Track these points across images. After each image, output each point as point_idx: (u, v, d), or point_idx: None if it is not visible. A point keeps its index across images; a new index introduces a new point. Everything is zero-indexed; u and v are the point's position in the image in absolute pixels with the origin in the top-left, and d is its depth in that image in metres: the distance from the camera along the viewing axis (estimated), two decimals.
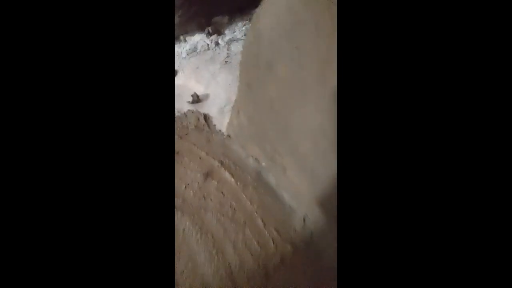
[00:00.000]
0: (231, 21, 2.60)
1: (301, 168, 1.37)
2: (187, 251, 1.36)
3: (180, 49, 2.46)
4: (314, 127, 1.17)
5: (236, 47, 2.35)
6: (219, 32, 2.52)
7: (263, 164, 1.62)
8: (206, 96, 2.09)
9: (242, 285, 1.26)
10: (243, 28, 2.52)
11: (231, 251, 1.36)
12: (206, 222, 1.45)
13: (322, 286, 1.28)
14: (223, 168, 1.64)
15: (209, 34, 2.48)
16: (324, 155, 1.18)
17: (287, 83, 1.22)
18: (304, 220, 1.45)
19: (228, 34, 2.52)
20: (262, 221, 1.43)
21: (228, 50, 2.36)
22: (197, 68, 2.26)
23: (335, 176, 1.15)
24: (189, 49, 2.42)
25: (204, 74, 2.20)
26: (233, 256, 1.34)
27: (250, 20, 2.49)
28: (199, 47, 2.45)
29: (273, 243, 1.37)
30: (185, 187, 1.58)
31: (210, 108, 2.00)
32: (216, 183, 1.59)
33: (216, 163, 1.66)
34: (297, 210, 1.47)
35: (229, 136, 1.78)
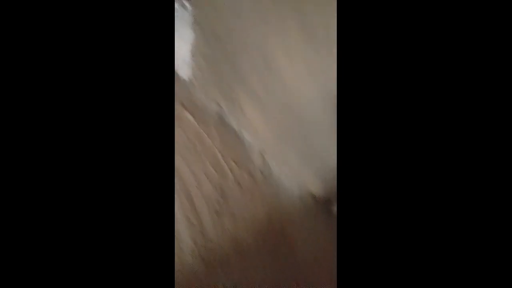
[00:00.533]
0: None
1: (260, 108, 1.43)
2: None
3: None
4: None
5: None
6: None
7: (223, 107, 1.66)
8: None
9: (199, 204, 1.27)
10: None
11: (190, 178, 1.37)
12: None
13: (278, 212, 1.33)
14: (185, 111, 1.66)
15: None
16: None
17: None
18: (262, 154, 1.50)
19: None
20: (221, 154, 1.46)
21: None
22: None
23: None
24: None
25: None
26: (192, 181, 1.35)
27: None
28: None
29: (231, 172, 1.40)
30: None
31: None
32: (179, 123, 1.60)
33: (179, 107, 1.68)
34: (256, 146, 1.52)
35: (191, 81, 1.81)
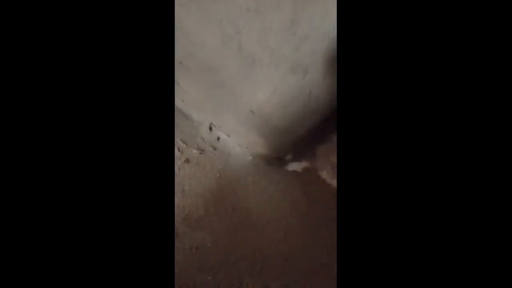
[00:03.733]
0: None
1: (200, 85, 1.38)
2: None
3: None
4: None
5: None
6: None
7: None
8: None
9: None
10: None
11: None
12: None
13: (230, 180, 1.30)
14: None
15: None
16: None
17: None
18: (210, 128, 1.47)
19: None
20: None
21: None
22: None
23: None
24: None
25: None
26: None
27: None
28: None
29: (179, 150, 1.37)
30: None
31: None
32: None
33: None
34: (204, 122, 1.49)
35: None
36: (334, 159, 1.38)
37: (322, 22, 0.88)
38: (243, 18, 0.94)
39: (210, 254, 1.10)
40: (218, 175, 1.32)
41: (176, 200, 1.21)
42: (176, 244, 1.10)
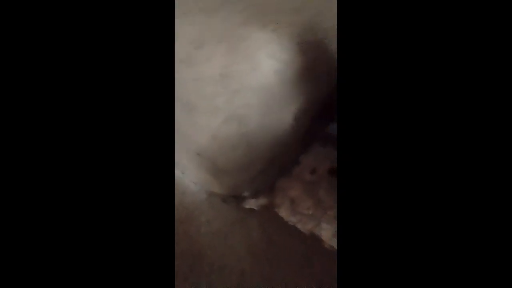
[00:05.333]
0: None
1: None
2: None
3: None
4: None
5: None
6: None
7: None
8: None
9: None
10: None
11: None
12: None
13: (177, 222, 1.21)
14: None
15: None
16: None
17: None
18: None
19: None
20: None
21: None
22: None
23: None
24: None
25: None
26: None
27: None
28: None
29: None
30: None
31: None
32: None
33: None
34: None
35: None
36: (293, 193, 1.30)
37: (251, 79, 0.83)
38: (176, 68, 0.89)
39: None
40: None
41: None
42: None
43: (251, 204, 1.30)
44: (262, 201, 1.31)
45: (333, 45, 0.90)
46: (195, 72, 0.84)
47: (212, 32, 0.77)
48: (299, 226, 1.24)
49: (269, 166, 1.23)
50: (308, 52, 0.85)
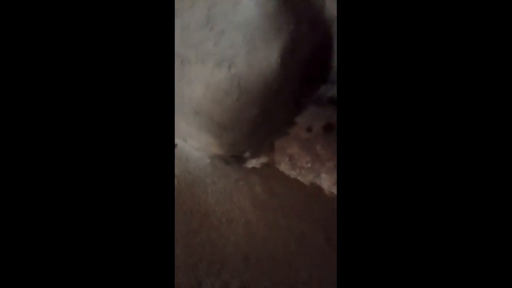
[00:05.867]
0: None
1: None
2: None
3: None
4: None
5: None
6: None
7: None
8: None
9: None
10: None
11: None
12: None
13: (184, 185, 1.26)
14: None
15: None
16: None
17: None
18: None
19: None
20: None
21: None
22: None
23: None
24: None
25: None
26: None
27: None
28: None
29: None
30: None
31: None
32: None
33: None
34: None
35: None
36: (291, 151, 1.35)
37: (234, 15, 0.88)
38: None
39: None
40: (176, 182, 1.28)
41: None
42: None
43: (253, 163, 1.36)
44: (262, 159, 1.36)
45: None
46: (181, 21, 0.89)
47: None
48: (299, 178, 1.29)
49: (264, 126, 1.27)
50: None
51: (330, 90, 1.46)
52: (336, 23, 1.22)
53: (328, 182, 1.28)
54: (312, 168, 1.31)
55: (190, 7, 0.84)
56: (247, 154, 1.38)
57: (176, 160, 1.36)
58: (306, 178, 1.29)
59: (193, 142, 1.37)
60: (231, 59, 0.95)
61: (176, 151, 1.39)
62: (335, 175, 1.27)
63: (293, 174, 1.30)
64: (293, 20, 0.95)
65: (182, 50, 0.96)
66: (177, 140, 1.41)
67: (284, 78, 1.09)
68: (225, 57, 0.95)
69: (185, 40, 0.92)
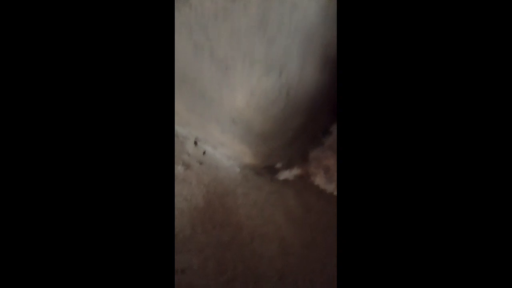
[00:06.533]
0: None
1: (182, 98, 1.31)
2: None
3: None
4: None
5: None
6: None
7: None
8: None
9: None
10: None
11: None
12: None
13: (213, 195, 1.19)
14: None
15: None
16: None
17: None
18: (195, 143, 1.37)
19: None
20: None
21: None
22: None
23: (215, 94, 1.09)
24: None
25: None
26: None
27: None
28: None
29: None
30: None
31: None
32: None
33: None
34: (189, 137, 1.40)
35: None
36: (327, 162, 1.26)
37: (291, 18, 0.80)
38: (211, 24, 0.86)
39: (198, 277, 0.98)
40: (205, 190, 1.21)
41: None
42: None
43: (285, 175, 1.27)
44: (296, 171, 1.27)
45: None
46: (231, 25, 0.82)
47: None
48: (336, 193, 1.20)
49: (299, 134, 1.19)
50: None
51: None
52: None
53: None
54: None
55: (243, 8, 0.77)
56: (279, 165, 1.30)
57: (205, 168, 1.29)
58: None
59: (224, 150, 1.30)
60: (281, 65, 0.87)
61: (206, 158, 1.33)
62: None
63: (329, 188, 1.21)
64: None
65: (228, 56, 0.89)
66: (206, 147, 1.35)
67: (327, 86, 1.00)
68: (276, 63, 0.87)
69: (233, 44, 0.85)
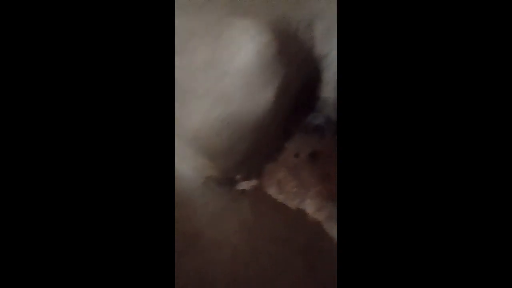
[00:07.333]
0: None
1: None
2: None
3: None
4: None
5: None
6: None
7: None
8: None
9: None
10: None
11: None
12: None
13: (183, 205, 1.29)
14: None
15: None
16: None
17: None
18: None
19: None
20: None
21: None
22: None
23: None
24: None
25: None
26: None
27: None
28: None
29: None
30: None
31: None
32: None
33: None
34: None
35: None
36: (279, 175, 1.40)
37: (237, 60, 0.94)
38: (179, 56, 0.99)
39: None
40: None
41: None
42: None
43: (243, 186, 1.40)
44: (253, 182, 1.41)
45: (305, 35, 1.00)
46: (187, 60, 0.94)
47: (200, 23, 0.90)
48: (286, 202, 1.34)
49: (255, 151, 1.32)
50: (283, 38, 0.95)
51: (317, 119, 1.53)
52: (324, 59, 1.29)
53: (312, 208, 1.33)
54: (298, 193, 1.37)
55: (194, 48, 0.90)
56: (238, 177, 1.42)
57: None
58: (292, 203, 1.34)
59: (188, 162, 1.40)
60: (229, 97, 1.01)
61: None
62: (318, 201, 1.33)
63: (280, 198, 1.36)
64: (286, 63, 1.02)
65: (185, 83, 1.02)
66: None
67: (275, 113, 1.14)
68: (224, 95, 1.01)
69: (190, 75, 0.98)
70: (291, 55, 1.05)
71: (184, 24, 0.90)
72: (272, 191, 1.38)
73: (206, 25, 0.92)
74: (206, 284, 1.10)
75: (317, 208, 1.32)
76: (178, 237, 1.21)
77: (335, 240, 1.18)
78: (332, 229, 1.22)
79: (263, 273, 1.15)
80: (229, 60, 0.94)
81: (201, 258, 1.16)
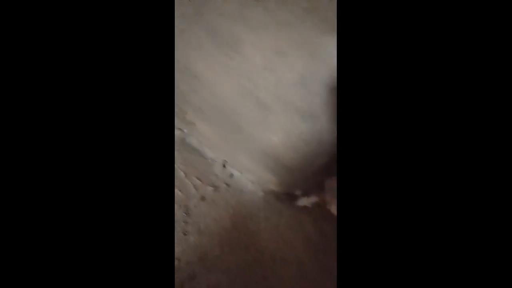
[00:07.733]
0: None
1: (217, 129, 1.40)
2: None
3: None
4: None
5: None
6: None
7: (185, 130, 1.64)
8: None
9: None
10: None
11: None
12: None
13: (242, 217, 1.30)
14: None
15: None
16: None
17: None
18: (223, 165, 1.48)
19: None
20: (184, 173, 1.44)
21: None
22: None
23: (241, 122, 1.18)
24: None
25: None
26: None
27: None
28: None
29: (194, 188, 1.38)
30: None
31: None
32: None
33: None
34: (217, 159, 1.50)
35: None
36: None
37: (330, 80, 0.92)
38: (259, 74, 0.98)
39: None
40: (232, 211, 1.31)
41: (192, 239, 1.21)
42: (193, 284, 1.09)
43: (303, 202, 1.38)
44: (313, 199, 1.38)
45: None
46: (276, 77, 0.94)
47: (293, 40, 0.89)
48: None
49: (322, 168, 1.30)
50: None
51: None
52: None
53: None
54: None
55: (289, 65, 0.89)
56: (298, 192, 1.40)
57: (231, 190, 1.40)
58: None
59: (249, 176, 1.41)
60: (318, 116, 1.00)
61: (232, 181, 1.43)
62: None
63: None
64: None
65: (270, 101, 1.01)
66: (233, 171, 1.45)
67: None
68: (313, 113, 1.00)
69: (277, 93, 0.97)
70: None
71: (277, 41, 0.90)
72: (335, 208, 1.35)
73: (295, 42, 0.90)
74: None
75: None
76: (246, 250, 1.22)
77: None
78: None
79: None
80: (321, 79, 0.92)
81: (269, 273, 1.15)
